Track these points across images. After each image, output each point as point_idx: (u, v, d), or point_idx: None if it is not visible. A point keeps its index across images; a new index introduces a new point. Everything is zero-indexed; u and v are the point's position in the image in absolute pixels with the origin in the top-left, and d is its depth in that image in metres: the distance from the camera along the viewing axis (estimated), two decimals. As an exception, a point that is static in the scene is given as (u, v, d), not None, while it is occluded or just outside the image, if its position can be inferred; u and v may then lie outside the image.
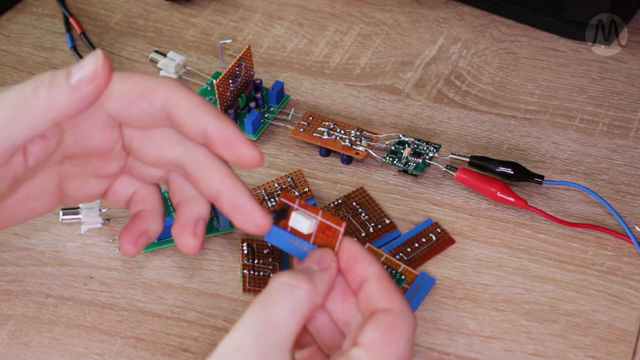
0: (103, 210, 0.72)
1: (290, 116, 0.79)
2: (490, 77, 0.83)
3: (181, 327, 0.67)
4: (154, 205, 0.59)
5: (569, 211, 0.73)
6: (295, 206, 0.57)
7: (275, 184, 0.74)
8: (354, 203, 0.73)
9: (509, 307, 0.68)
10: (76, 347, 0.66)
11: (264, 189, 0.74)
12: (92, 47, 0.85)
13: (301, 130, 0.77)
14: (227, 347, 0.52)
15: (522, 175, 0.74)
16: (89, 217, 0.72)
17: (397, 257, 0.70)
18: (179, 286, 0.69)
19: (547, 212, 0.72)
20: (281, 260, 0.70)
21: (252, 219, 0.56)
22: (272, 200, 0.73)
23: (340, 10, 0.89)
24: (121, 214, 0.73)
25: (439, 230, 0.72)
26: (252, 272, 0.69)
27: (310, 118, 0.78)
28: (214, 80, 0.77)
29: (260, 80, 0.80)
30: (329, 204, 0.73)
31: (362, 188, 0.74)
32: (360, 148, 0.76)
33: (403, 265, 0.69)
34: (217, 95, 0.76)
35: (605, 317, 0.67)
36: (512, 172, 0.73)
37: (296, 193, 0.73)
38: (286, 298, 0.53)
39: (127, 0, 0.90)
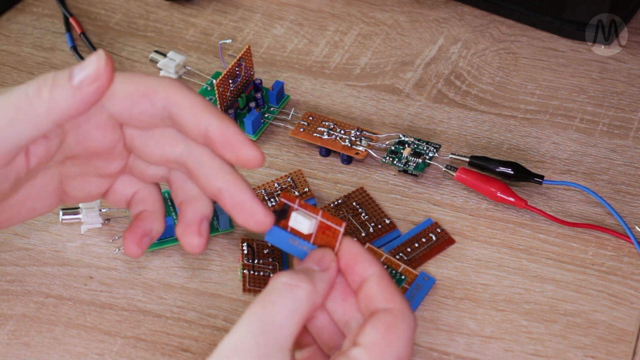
0: (103, 210, 0.72)
1: (290, 116, 0.79)
2: (490, 77, 0.83)
3: (181, 327, 0.67)
4: (155, 206, 0.59)
5: (569, 211, 0.73)
6: (295, 206, 0.57)
7: (275, 184, 0.74)
8: (354, 203, 0.73)
9: (509, 307, 0.68)
10: (76, 347, 0.66)
11: (264, 189, 0.74)
12: (92, 47, 0.85)
13: (301, 130, 0.77)
14: (227, 347, 0.52)
15: (522, 175, 0.74)
16: (89, 217, 0.72)
17: (397, 257, 0.70)
18: (179, 286, 0.69)
19: (547, 212, 0.72)
20: (281, 260, 0.70)
21: (253, 216, 0.56)
22: (272, 200, 0.73)
23: (340, 10, 0.89)
24: (121, 214, 0.73)
25: (439, 230, 0.72)
26: (252, 272, 0.69)
27: (310, 118, 0.78)
28: (214, 80, 0.77)
29: (260, 80, 0.80)
30: (329, 204, 0.73)
31: (362, 188, 0.74)
32: (360, 148, 0.76)
33: (403, 265, 0.69)
34: (217, 95, 0.76)
35: (605, 317, 0.67)
36: (512, 172, 0.73)
37: (296, 193, 0.73)
38: (286, 298, 0.53)
39: (127, 0, 0.90)
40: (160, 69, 0.82)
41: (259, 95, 0.79)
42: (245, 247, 0.70)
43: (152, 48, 0.85)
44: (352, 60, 0.84)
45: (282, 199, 0.57)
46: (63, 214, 0.72)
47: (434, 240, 0.71)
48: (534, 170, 0.75)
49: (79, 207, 0.72)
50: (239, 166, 0.56)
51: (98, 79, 0.52)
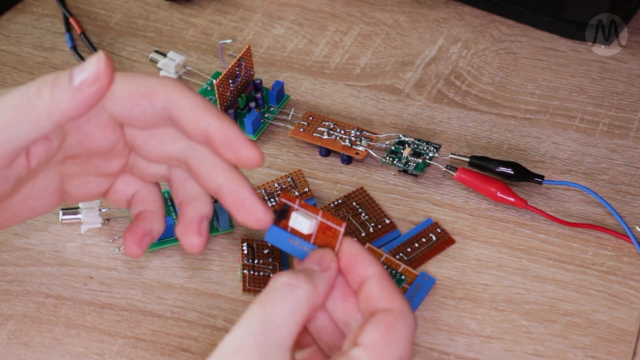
0: (103, 210, 0.72)
1: (290, 116, 0.79)
2: (490, 77, 0.83)
3: (181, 327, 0.67)
4: (155, 205, 0.60)
5: (569, 211, 0.73)
6: (296, 206, 0.57)
7: (275, 184, 0.74)
8: (354, 203, 0.73)
9: (509, 307, 0.68)
10: (76, 347, 0.66)
11: (264, 189, 0.74)
12: (92, 47, 0.85)
13: (301, 130, 0.77)
14: (227, 347, 0.52)
15: (522, 175, 0.74)
16: (89, 217, 0.72)
17: (397, 257, 0.70)
18: (179, 286, 0.69)
19: (547, 212, 0.72)
20: (281, 260, 0.70)
21: (253, 213, 0.56)
22: (272, 200, 0.73)
23: (340, 10, 0.89)
24: (121, 214, 0.73)
25: (439, 230, 0.72)
26: (252, 272, 0.69)
27: (310, 118, 0.78)
28: (214, 80, 0.77)
29: (260, 80, 0.80)
30: (329, 204, 0.73)
31: (362, 188, 0.74)
32: (360, 148, 0.76)
33: (403, 265, 0.69)
34: (217, 95, 0.76)
35: (605, 317, 0.67)
36: (512, 172, 0.73)
37: (296, 193, 0.73)
38: (286, 298, 0.53)
39: (127, 0, 0.90)
40: (160, 69, 0.82)
41: (259, 95, 0.79)
42: (245, 247, 0.70)
43: (152, 48, 0.85)
44: (352, 60, 0.84)
45: (283, 199, 0.57)
46: (63, 214, 0.72)
47: (434, 240, 0.71)
48: (534, 170, 0.75)
49: (78, 207, 0.72)
50: (238, 166, 0.56)
51: (98, 80, 0.52)
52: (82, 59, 0.84)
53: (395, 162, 0.75)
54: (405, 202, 0.74)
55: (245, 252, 0.70)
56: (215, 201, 0.72)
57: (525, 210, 0.73)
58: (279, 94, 0.80)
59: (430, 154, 0.76)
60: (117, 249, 0.71)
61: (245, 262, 0.70)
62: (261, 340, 0.52)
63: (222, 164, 0.56)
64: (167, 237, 0.71)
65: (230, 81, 0.77)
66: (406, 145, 0.76)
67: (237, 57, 0.77)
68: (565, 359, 0.65)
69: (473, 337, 0.66)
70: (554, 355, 0.65)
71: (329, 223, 0.56)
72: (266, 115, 0.79)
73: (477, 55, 0.84)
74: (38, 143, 0.54)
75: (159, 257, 0.71)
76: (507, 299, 0.68)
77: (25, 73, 0.84)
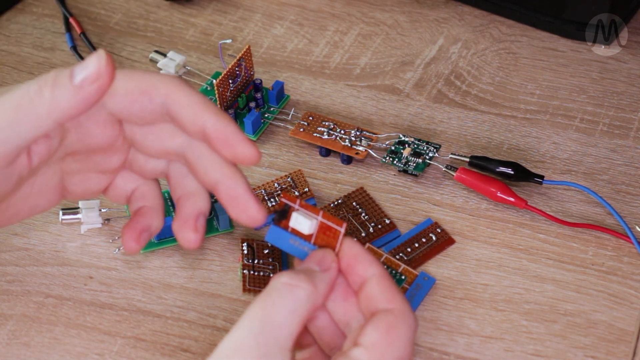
0: (103, 211, 0.72)
1: (290, 116, 0.79)
2: (490, 77, 0.83)
3: (181, 327, 0.67)
4: (154, 202, 0.60)
5: (569, 211, 0.73)
6: (296, 207, 0.57)
7: (275, 184, 0.74)
8: (354, 203, 0.73)
9: (509, 307, 0.68)
10: (76, 347, 0.66)
11: (264, 189, 0.74)
12: (92, 47, 0.85)
13: (301, 130, 0.77)
14: (227, 347, 0.52)
15: (522, 175, 0.74)
16: (89, 217, 0.72)
17: (397, 257, 0.70)
18: (179, 286, 0.69)
19: (547, 212, 0.72)
20: (281, 260, 0.70)
21: (246, 210, 0.56)
22: (272, 200, 0.73)
23: (340, 10, 0.89)
24: (121, 214, 0.73)
25: (439, 230, 0.72)
26: (252, 272, 0.69)
27: (310, 118, 0.78)
28: (214, 80, 0.77)
29: (260, 80, 0.80)
30: (329, 204, 0.73)
31: (362, 188, 0.74)
32: (360, 148, 0.76)
33: (403, 265, 0.69)
34: (217, 95, 0.76)
35: (605, 317, 0.67)
36: (512, 172, 0.73)
37: (296, 193, 0.73)
38: (286, 298, 0.53)
39: (127, 0, 0.90)
40: (160, 69, 0.82)
41: (259, 95, 0.79)
42: (245, 247, 0.70)
43: (152, 48, 0.85)
44: (352, 60, 0.84)
45: (283, 199, 0.57)
46: (63, 214, 0.72)
47: (434, 240, 0.71)
48: (534, 170, 0.75)
49: (78, 207, 0.72)
50: (235, 163, 0.56)
51: (99, 78, 0.52)
52: (82, 59, 0.84)
53: (395, 162, 0.75)
54: (405, 202, 0.74)
55: (245, 252, 0.70)
56: (215, 201, 0.72)
57: (525, 210, 0.73)
58: (279, 94, 0.80)
59: (430, 154, 0.76)
60: (117, 249, 0.71)
61: (245, 262, 0.70)
62: (261, 340, 0.52)
63: (220, 160, 0.57)
64: (167, 237, 0.71)
65: (230, 81, 0.77)
66: (406, 145, 0.76)
67: (237, 57, 0.77)
68: (565, 359, 0.65)
69: (473, 337, 0.66)
70: (554, 355, 0.65)
71: (330, 223, 0.56)
72: (266, 115, 0.79)
73: (477, 55, 0.84)
74: (39, 142, 0.54)
75: (159, 257, 0.71)
76: (507, 299, 0.68)
77: (25, 73, 0.84)
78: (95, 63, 0.52)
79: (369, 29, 0.87)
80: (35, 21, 0.88)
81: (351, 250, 0.56)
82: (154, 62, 0.83)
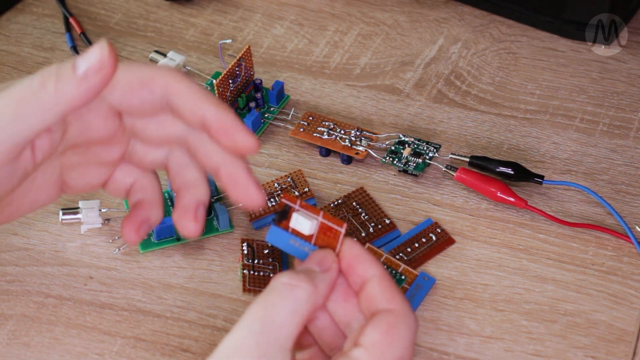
0: (103, 211, 0.72)
1: (290, 116, 0.79)
2: (490, 77, 0.83)
3: (181, 327, 0.67)
4: (153, 194, 0.60)
5: (569, 211, 0.73)
6: (297, 207, 0.57)
7: (275, 184, 0.74)
8: (354, 203, 0.73)
9: (509, 307, 0.68)
10: (76, 347, 0.66)
11: (264, 189, 0.74)
12: (92, 47, 0.85)
13: (301, 130, 0.77)
14: (227, 347, 0.52)
15: (522, 175, 0.74)
16: (89, 217, 0.72)
17: (397, 257, 0.70)
18: (179, 286, 0.69)
19: (547, 212, 0.72)
20: (281, 261, 0.70)
21: (246, 192, 0.56)
22: (272, 200, 0.73)
23: (340, 10, 0.89)
24: (121, 214, 0.73)
25: (439, 230, 0.72)
26: (252, 272, 0.69)
27: (310, 118, 0.78)
28: (214, 80, 0.77)
29: (260, 80, 0.80)
30: (329, 204, 0.73)
31: (362, 188, 0.74)
32: (360, 148, 0.76)
33: (403, 265, 0.69)
34: (217, 95, 0.76)
35: (605, 317, 0.67)
36: (512, 172, 0.73)
37: (296, 193, 0.73)
38: (286, 298, 0.53)
39: (127, 0, 0.90)
40: (160, 69, 0.82)
41: (259, 95, 0.79)
42: (245, 247, 0.70)
43: (152, 48, 0.85)
44: (352, 60, 0.84)
45: (283, 200, 0.57)
46: (63, 214, 0.72)
47: (434, 240, 0.71)
48: (534, 170, 0.75)
49: (78, 207, 0.72)
50: (236, 152, 0.56)
51: (102, 68, 0.53)
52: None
53: (395, 162, 0.75)
54: (405, 202, 0.74)
55: (245, 252, 0.70)
56: (215, 201, 0.72)
57: (525, 210, 0.73)
58: (279, 94, 0.80)
59: (430, 154, 0.76)
60: (117, 249, 0.71)
61: (245, 262, 0.70)
62: (261, 341, 0.52)
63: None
64: (167, 237, 0.71)
65: (230, 81, 0.77)
66: (406, 145, 0.76)
67: (237, 57, 0.77)
68: (565, 359, 0.65)
69: (473, 337, 0.66)
70: (554, 355, 0.65)
71: (330, 224, 0.56)
72: (266, 115, 0.79)
73: (477, 55, 0.84)
74: (42, 136, 0.55)
75: (159, 257, 0.71)
76: (507, 299, 0.68)
77: (25, 73, 0.84)
78: (97, 53, 0.53)
79: (369, 29, 0.87)
80: (35, 21, 0.88)
81: (352, 251, 0.56)
82: (153, 62, 0.83)
